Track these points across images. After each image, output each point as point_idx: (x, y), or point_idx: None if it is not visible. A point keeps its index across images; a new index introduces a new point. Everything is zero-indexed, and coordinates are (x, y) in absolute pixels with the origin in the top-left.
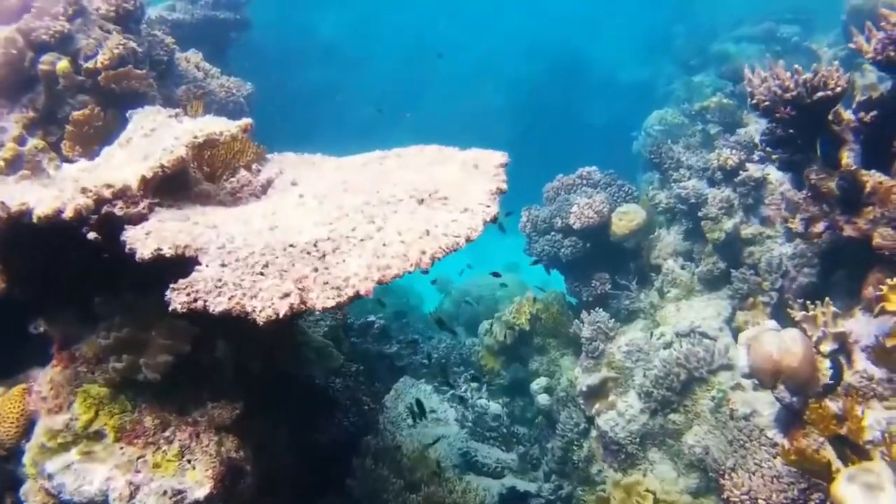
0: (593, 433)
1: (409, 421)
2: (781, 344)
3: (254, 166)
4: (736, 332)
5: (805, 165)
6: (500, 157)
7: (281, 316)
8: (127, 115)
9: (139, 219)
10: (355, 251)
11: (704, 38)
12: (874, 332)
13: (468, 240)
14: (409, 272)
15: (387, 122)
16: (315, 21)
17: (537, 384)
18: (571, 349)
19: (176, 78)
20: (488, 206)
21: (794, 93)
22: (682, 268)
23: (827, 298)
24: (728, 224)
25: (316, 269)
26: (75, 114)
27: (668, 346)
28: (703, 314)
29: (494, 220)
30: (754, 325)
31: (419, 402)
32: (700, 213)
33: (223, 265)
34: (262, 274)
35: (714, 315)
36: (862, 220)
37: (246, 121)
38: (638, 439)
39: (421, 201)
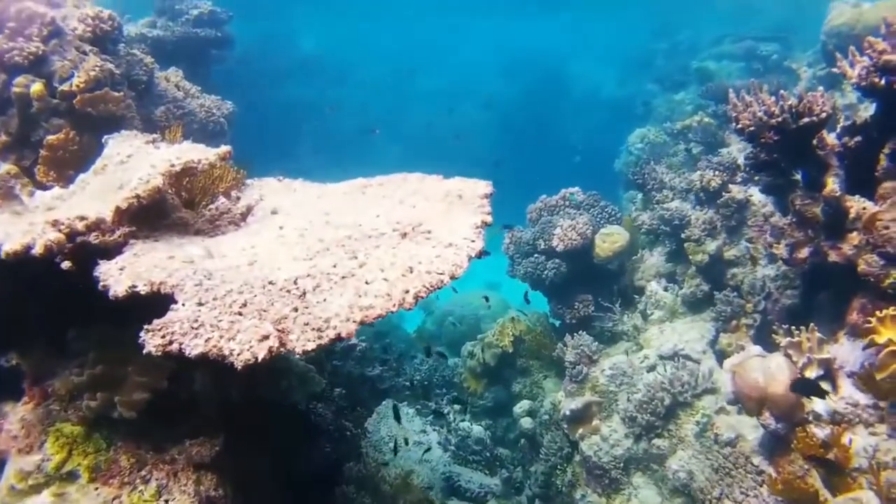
0: (577, 457)
1: (391, 445)
2: (767, 371)
3: (233, 193)
4: (720, 355)
5: (789, 190)
6: (484, 186)
7: (259, 360)
8: (103, 140)
9: (115, 248)
10: (337, 289)
11: (685, 56)
12: (860, 358)
13: (453, 277)
14: (393, 312)
15: (370, 136)
16: (298, 36)
17: (520, 407)
18: (554, 371)
19: (155, 98)
20: (473, 241)
21: (780, 119)
22: (666, 289)
23: (812, 324)
24: (711, 246)
25: (296, 309)
26: (50, 138)
27: (651, 369)
28: (687, 337)
29: (480, 255)
30: (738, 348)
31: (395, 408)
32: (683, 235)
33: (200, 304)
34: (240, 314)
35: (698, 337)
36: (847, 245)
37: (225, 148)
38: (622, 464)
39: (404, 235)
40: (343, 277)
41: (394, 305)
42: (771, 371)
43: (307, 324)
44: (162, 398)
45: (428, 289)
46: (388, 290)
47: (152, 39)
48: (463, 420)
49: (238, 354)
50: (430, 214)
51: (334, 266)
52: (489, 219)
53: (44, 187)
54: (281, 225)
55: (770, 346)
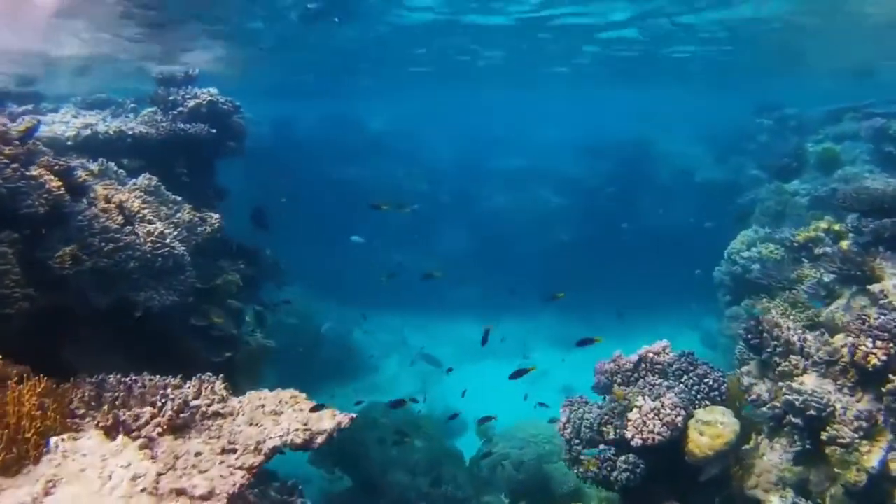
0: None
1: None
2: None
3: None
4: None
5: None
6: None
7: None
8: None
9: None
10: None
11: (794, 134)
12: None
13: None
14: None
15: (429, 220)
16: (363, 116)
17: None
18: None
19: (72, 231)
20: None
21: None
22: None
23: None
24: (871, 457)
25: None
26: None
27: None
28: None
29: None
30: None
31: None
32: (825, 436)
33: None
34: None
35: None
36: None
37: None
38: None
39: None
40: None
41: None
42: None
43: None
44: None
45: None
46: None
47: (133, 138)
48: None
49: None
50: None
51: None
52: None
53: None
54: None
55: None
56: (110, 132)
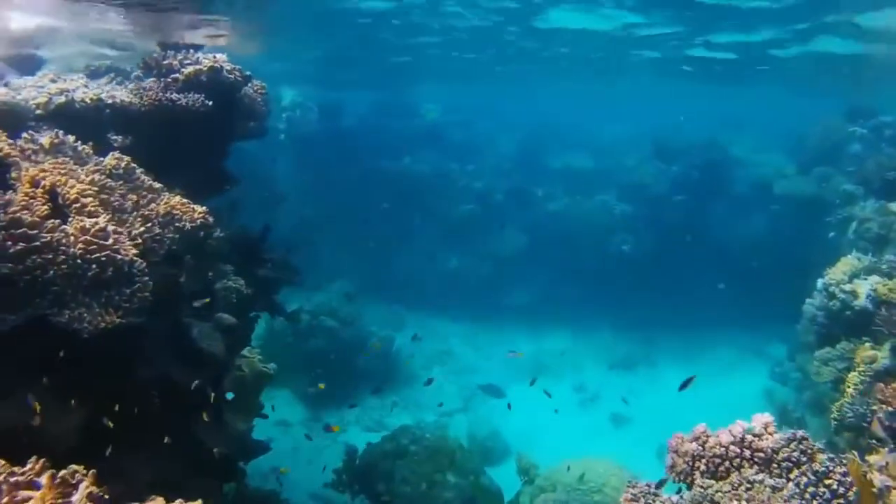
0: None
1: None
2: None
3: None
4: None
5: None
6: None
7: None
8: None
9: None
10: None
11: (890, 145)
12: None
13: None
14: None
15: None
16: (420, 108)
17: None
18: None
19: None
20: None
21: None
22: None
23: None
24: None
25: None
26: None
27: None
28: None
29: None
30: None
31: None
32: None
33: None
34: None
35: None
36: None
37: None
38: None
39: None
40: None
41: None
42: None
43: None
44: None
45: None
46: None
47: (112, 108)
48: None
49: None
50: None
51: None
52: None
53: None
54: None
55: None
56: (87, 101)
